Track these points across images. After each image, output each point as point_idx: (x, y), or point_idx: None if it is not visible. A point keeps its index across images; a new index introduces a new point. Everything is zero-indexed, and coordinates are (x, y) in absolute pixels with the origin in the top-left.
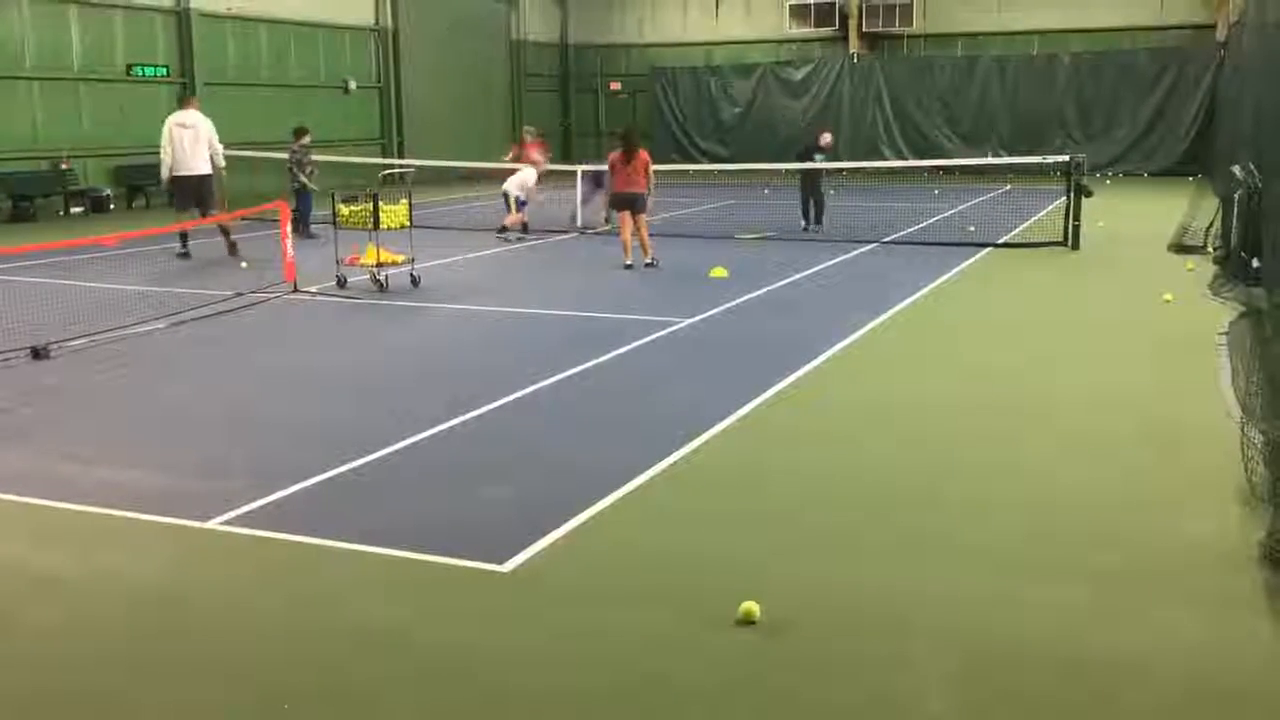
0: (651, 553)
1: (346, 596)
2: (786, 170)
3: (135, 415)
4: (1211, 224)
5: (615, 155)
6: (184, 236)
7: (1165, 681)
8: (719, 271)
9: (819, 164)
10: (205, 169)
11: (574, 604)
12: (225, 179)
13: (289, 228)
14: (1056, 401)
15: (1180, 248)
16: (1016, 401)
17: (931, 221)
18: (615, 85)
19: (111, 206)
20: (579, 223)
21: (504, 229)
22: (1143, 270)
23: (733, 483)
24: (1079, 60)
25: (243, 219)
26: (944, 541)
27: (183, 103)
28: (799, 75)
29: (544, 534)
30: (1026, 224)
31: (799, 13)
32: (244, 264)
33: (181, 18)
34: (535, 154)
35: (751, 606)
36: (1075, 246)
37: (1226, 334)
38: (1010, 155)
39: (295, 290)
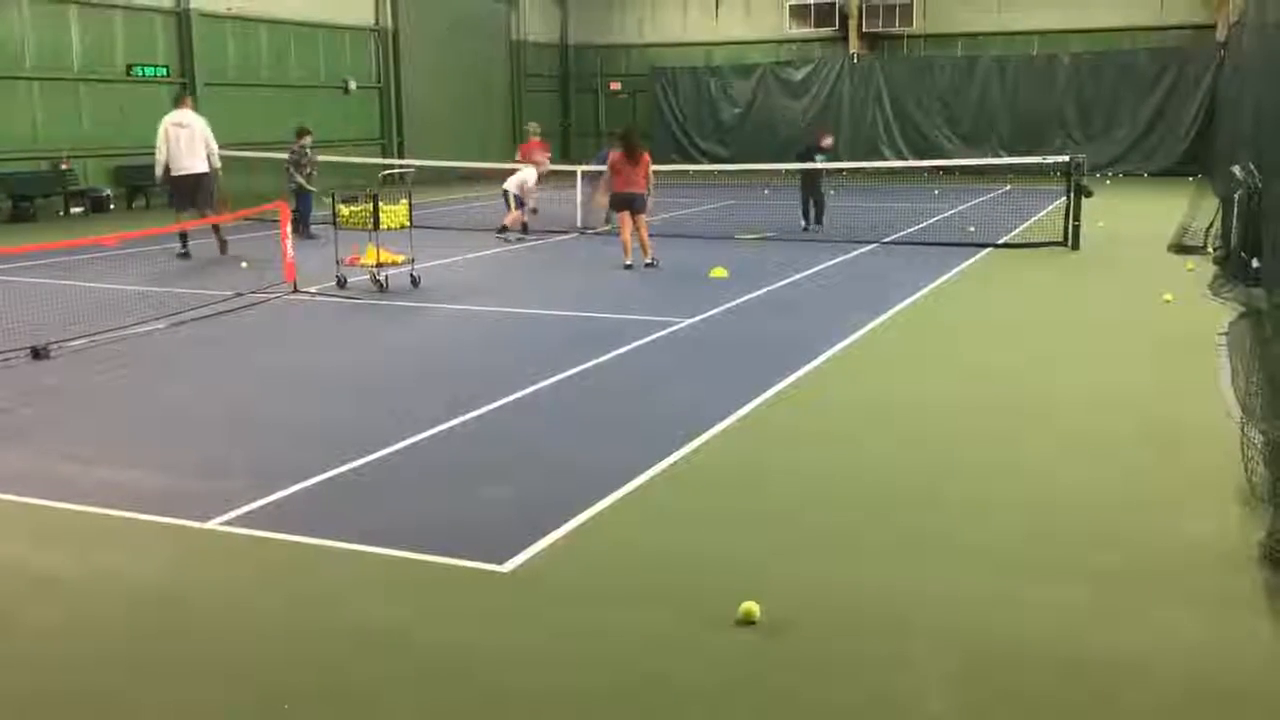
0: (651, 553)
1: (346, 596)
2: (786, 170)
3: (135, 415)
4: (1211, 224)
5: (617, 155)
6: (184, 237)
7: (1165, 681)
8: (719, 272)
9: (819, 164)
10: (202, 168)
11: (574, 604)
12: (222, 179)
13: (289, 228)
14: (1056, 401)
15: (1180, 248)
16: (1016, 401)
17: (931, 222)
18: (615, 85)
19: (111, 207)
20: (579, 223)
21: (504, 229)
22: (1143, 270)
23: (733, 483)
24: (1079, 60)
25: (243, 219)
26: (944, 541)
27: (177, 102)
28: (799, 75)
29: (544, 534)
30: (1026, 224)
31: (799, 13)
32: (244, 264)
33: (181, 18)
34: (538, 154)
35: (751, 606)
36: (1075, 247)
37: (1226, 334)
38: (1010, 155)
39: (295, 290)
